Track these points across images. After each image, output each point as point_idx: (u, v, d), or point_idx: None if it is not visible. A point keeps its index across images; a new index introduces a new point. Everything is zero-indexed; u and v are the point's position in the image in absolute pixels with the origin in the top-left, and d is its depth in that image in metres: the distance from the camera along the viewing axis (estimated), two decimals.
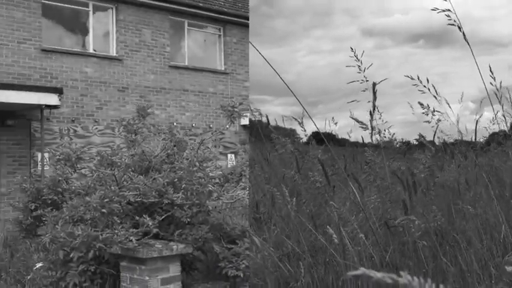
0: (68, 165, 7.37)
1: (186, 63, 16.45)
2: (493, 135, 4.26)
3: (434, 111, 3.37)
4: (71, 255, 6.11)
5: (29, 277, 7.32)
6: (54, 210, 7.36)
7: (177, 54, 16.50)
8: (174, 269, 6.27)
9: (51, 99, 12.37)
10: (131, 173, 7.12)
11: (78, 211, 6.62)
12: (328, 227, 3.08)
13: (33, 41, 13.53)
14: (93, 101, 14.40)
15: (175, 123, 15.15)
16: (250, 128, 5.09)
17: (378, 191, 3.68)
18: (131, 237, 6.00)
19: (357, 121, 3.16)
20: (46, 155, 12.55)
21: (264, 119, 4.16)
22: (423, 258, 3.03)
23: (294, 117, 3.70)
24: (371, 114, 3.06)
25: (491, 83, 3.20)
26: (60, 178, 8.41)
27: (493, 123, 3.56)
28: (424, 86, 3.13)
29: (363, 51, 3.08)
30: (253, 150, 5.13)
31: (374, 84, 3.01)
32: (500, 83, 3.16)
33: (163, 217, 6.59)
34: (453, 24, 2.90)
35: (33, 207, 8.57)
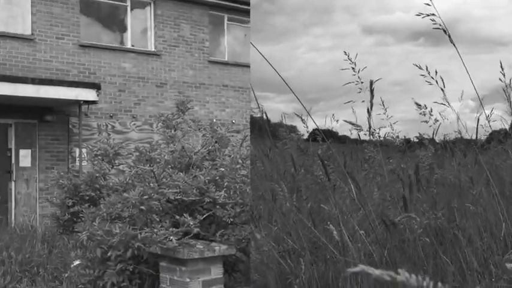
0: (106, 161, 7.13)
1: (226, 59, 16.15)
2: (494, 134, 4.25)
3: (431, 111, 3.39)
4: (109, 254, 5.89)
5: (66, 275, 7.17)
6: (91, 206, 7.11)
7: (217, 50, 16.22)
8: (216, 271, 5.95)
9: (89, 94, 12.24)
10: (170, 169, 6.83)
11: (115, 208, 6.34)
12: (328, 223, 3.09)
13: (71, 37, 13.44)
14: (131, 96, 14.22)
15: (214, 120, 14.87)
16: (252, 125, 5.08)
17: (377, 188, 3.68)
18: (171, 237, 5.74)
19: (350, 123, 3.16)
20: (84, 150, 12.43)
21: (265, 116, 4.08)
22: (423, 256, 3.04)
23: (296, 114, 3.72)
24: (368, 112, 3.08)
25: (500, 79, 3.20)
26: (97, 174, 8.19)
27: (488, 121, 3.60)
28: (432, 78, 3.09)
29: (356, 54, 3.08)
30: (254, 146, 5.11)
31: (371, 82, 3.01)
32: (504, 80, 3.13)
33: (204, 216, 6.30)
34: (438, 28, 2.90)
35: (70, 204, 8.35)
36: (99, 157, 7.05)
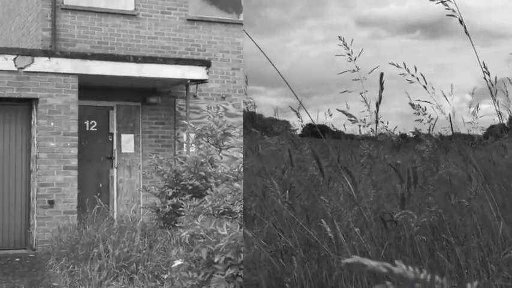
0: (212, 143, 5.96)
1: None
2: (492, 128, 4.31)
3: (425, 109, 3.47)
4: (216, 259, 5.11)
5: (166, 276, 6.67)
6: (194, 198, 6.49)
7: None
8: None
9: (198, 73, 11.51)
10: None
11: (224, 201, 5.61)
12: (322, 220, 3.17)
13: (178, 11, 12.70)
14: None
15: None
16: (244, 120, 5.47)
17: (373, 185, 3.84)
18: None
19: (345, 113, 3.22)
20: (192, 135, 11.45)
21: (258, 110, 4.44)
22: (419, 253, 3.13)
23: (292, 108, 3.90)
24: (377, 106, 3.11)
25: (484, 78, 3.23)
26: (203, 159, 7.06)
27: (480, 116, 3.83)
28: (412, 75, 3.10)
29: (352, 40, 3.14)
30: (246, 142, 5.19)
31: (381, 75, 3.01)
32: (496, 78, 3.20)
33: None
34: (452, 15, 2.88)
35: (170, 194, 7.29)
36: (204, 138, 5.92)
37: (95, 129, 11.82)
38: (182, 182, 7.40)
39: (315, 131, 3.65)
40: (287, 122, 4.88)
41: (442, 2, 2.89)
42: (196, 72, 11.41)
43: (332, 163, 3.80)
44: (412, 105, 3.51)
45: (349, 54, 3.15)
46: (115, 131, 11.97)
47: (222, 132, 6.08)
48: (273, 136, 4.71)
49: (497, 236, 3.24)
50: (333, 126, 4.24)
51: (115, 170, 11.91)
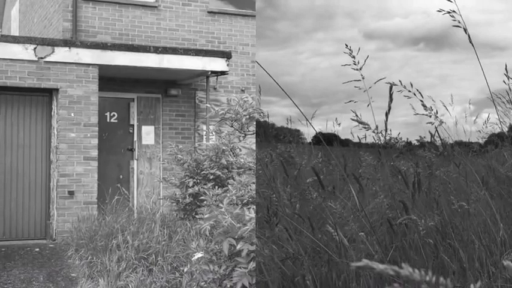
0: (236, 128, 5.78)
1: None
2: (492, 137, 4.41)
3: (437, 112, 3.51)
4: (238, 247, 4.83)
5: (185, 269, 6.42)
6: (216, 187, 6.19)
7: None
8: None
9: (218, 64, 11.38)
10: None
11: (249, 190, 5.38)
12: (328, 226, 3.24)
13: (199, 3, 12.62)
14: None
15: None
16: (257, 128, 5.38)
17: (378, 191, 3.90)
18: None
19: (359, 122, 3.13)
20: (211, 127, 11.37)
21: (270, 120, 4.42)
22: (424, 256, 3.19)
23: (305, 116, 3.81)
24: (386, 116, 3.17)
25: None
26: (225, 147, 6.90)
27: (485, 126, 3.86)
28: (409, 91, 3.23)
29: (359, 48, 3.23)
30: (259, 150, 5.30)
31: (391, 87, 3.09)
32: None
33: None
34: (458, 26, 3.03)
35: (191, 184, 7.14)
36: (228, 121, 5.73)
37: (116, 120, 11.77)
38: (203, 172, 7.22)
39: (325, 139, 3.72)
40: (298, 131, 5.01)
41: (449, 13, 2.99)
42: (216, 64, 11.28)
43: (340, 170, 3.86)
44: (424, 106, 3.56)
45: (354, 63, 3.24)
46: (135, 123, 11.90)
47: (248, 116, 5.87)
48: (285, 144, 4.86)
49: (498, 238, 3.33)
50: (337, 134, 4.35)
51: (135, 161, 11.84)
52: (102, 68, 10.39)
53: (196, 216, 6.22)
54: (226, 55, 11.38)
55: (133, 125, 11.90)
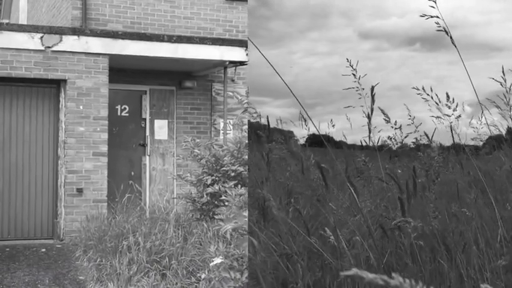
0: None
1: None
2: (490, 139, 4.43)
3: (420, 124, 3.63)
4: None
5: (203, 275, 6.13)
6: (238, 186, 5.73)
7: None
8: None
9: (237, 53, 10.81)
10: None
11: None
12: (326, 228, 3.28)
13: None
14: None
15: None
16: (249, 129, 5.43)
17: (373, 194, 3.99)
18: None
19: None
20: (229, 121, 10.88)
21: (263, 121, 4.56)
22: (419, 261, 3.22)
23: (302, 116, 3.95)
24: (369, 117, 3.26)
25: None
26: (247, 141, 6.38)
27: (481, 127, 3.95)
28: (423, 90, 3.37)
29: (358, 61, 3.26)
30: (251, 151, 5.31)
31: (372, 88, 3.16)
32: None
33: None
34: (442, 30, 3.08)
35: (209, 182, 6.64)
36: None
37: (127, 114, 11.35)
38: (223, 168, 6.67)
39: (318, 141, 3.69)
40: (291, 132, 5.08)
41: (436, 17, 3.01)
42: (235, 53, 10.74)
43: (335, 173, 3.93)
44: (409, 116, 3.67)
45: (354, 75, 3.24)
46: (148, 117, 11.50)
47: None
48: (279, 145, 4.89)
49: (495, 244, 3.35)
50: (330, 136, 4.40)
51: (147, 157, 11.45)
52: (112, 58, 9.90)
53: (215, 217, 5.72)
54: (245, 44, 10.82)
55: (145, 119, 11.50)
